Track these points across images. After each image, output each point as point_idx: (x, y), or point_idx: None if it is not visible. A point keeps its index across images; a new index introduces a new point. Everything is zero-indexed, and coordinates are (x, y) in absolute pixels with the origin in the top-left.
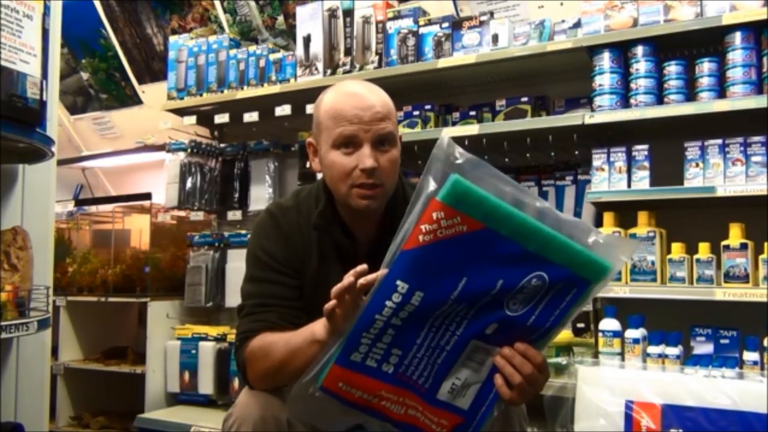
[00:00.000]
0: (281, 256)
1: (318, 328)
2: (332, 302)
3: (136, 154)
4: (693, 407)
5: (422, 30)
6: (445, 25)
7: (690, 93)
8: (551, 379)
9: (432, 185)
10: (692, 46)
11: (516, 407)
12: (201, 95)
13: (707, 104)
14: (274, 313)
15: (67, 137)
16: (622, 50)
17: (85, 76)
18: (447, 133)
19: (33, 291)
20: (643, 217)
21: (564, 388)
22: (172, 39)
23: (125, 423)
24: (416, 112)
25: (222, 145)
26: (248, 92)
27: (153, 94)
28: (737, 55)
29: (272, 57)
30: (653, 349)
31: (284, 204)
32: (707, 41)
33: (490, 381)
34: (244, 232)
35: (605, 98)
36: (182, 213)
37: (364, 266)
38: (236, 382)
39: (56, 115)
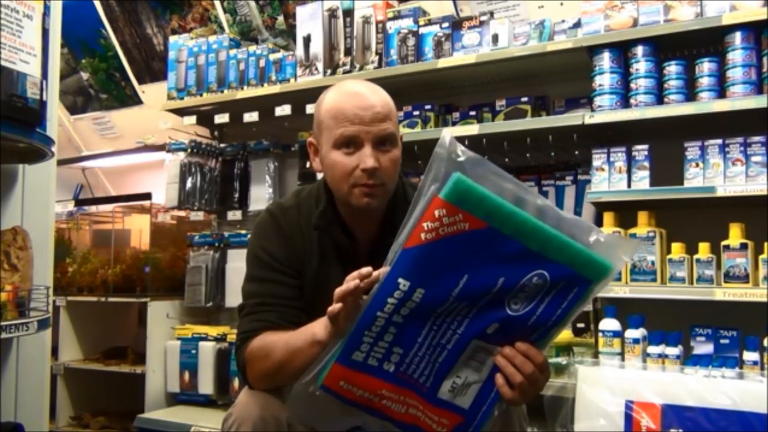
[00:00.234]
0: (282, 256)
1: (318, 328)
2: (337, 305)
3: (136, 154)
4: (693, 407)
5: (422, 30)
6: (445, 25)
7: (690, 93)
8: (551, 379)
9: (434, 183)
10: (692, 46)
11: (516, 407)
12: (201, 95)
13: (707, 104)
14: (275, 312)
15: (67, 137)
16: (622, 50)
17: (85, 76)
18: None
19: (33, 291)
20: (643, 217)
21: (564, 388)
22: (172, 39)
23: (125, 423)
24: (416, 112)
25: (222, 145)
26: (248, 92)
27: (153, 94)
28: (737, 55)
29: (272, 57)
30: (653, 349)
31: (285, 204)
32: (707, 41)
33: (491, 380)
34: (244, 232)
35: (605, 98)
36: (182, 213)
37: (368, 269)
38: (236, 382)
39: (56, 115)
